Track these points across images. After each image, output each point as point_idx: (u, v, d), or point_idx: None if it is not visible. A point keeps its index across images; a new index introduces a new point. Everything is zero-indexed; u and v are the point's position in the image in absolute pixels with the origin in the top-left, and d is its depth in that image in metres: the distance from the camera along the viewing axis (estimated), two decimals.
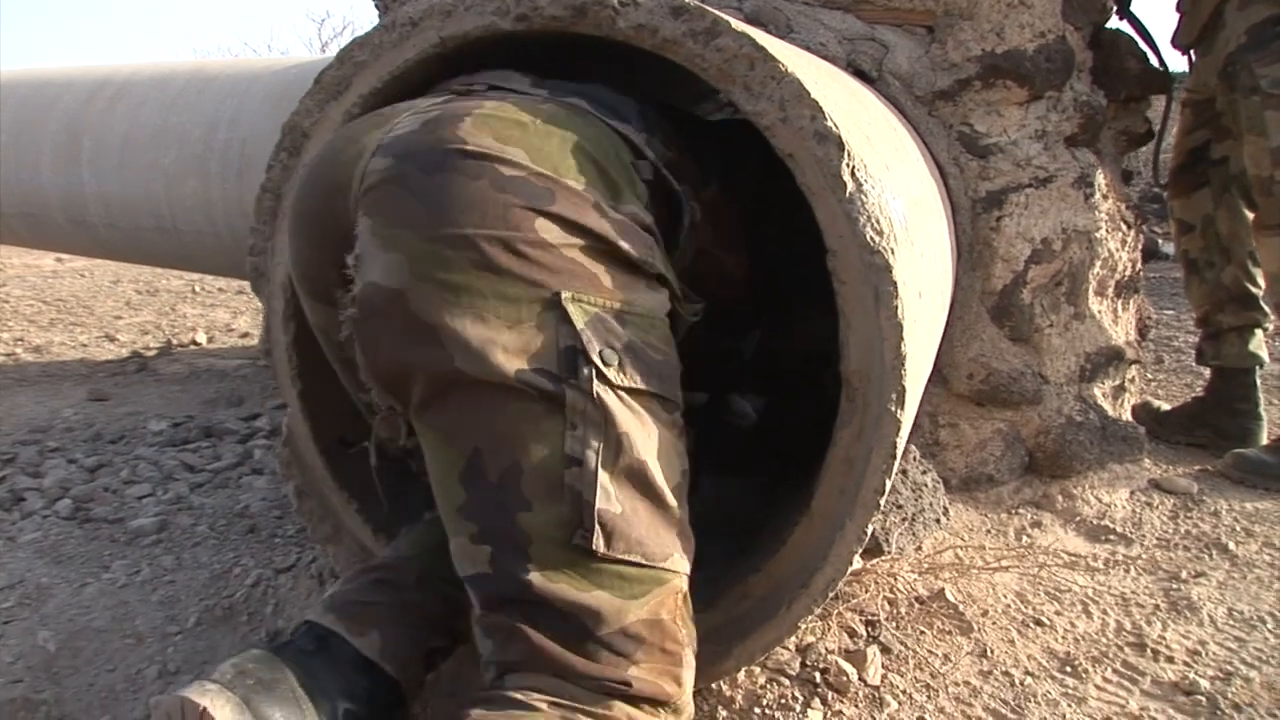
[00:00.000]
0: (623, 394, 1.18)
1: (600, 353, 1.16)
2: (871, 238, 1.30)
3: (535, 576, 1.14)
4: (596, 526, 1.13)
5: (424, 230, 1.15)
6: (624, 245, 1.22)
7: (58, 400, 3.57)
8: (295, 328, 1.72)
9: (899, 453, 1.37)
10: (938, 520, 2.13)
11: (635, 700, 1.17)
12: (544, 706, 1.12)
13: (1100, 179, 2.60)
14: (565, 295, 1.16)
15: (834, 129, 1.30)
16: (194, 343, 4.61)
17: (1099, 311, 2.65)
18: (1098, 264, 2.61)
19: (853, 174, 1.31)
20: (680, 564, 1.22)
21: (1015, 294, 2.47)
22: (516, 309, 1.15)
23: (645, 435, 1.19)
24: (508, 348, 1.14)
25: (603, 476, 1.15)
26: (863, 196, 1.31)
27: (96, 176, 3.48)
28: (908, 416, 1.39)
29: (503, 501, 1.15)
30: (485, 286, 1.14)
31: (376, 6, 2.80)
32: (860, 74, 2.42)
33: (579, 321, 1.16)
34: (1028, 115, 2.53)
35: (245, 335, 4.79)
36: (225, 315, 5.20)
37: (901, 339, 1.30)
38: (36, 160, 3.56)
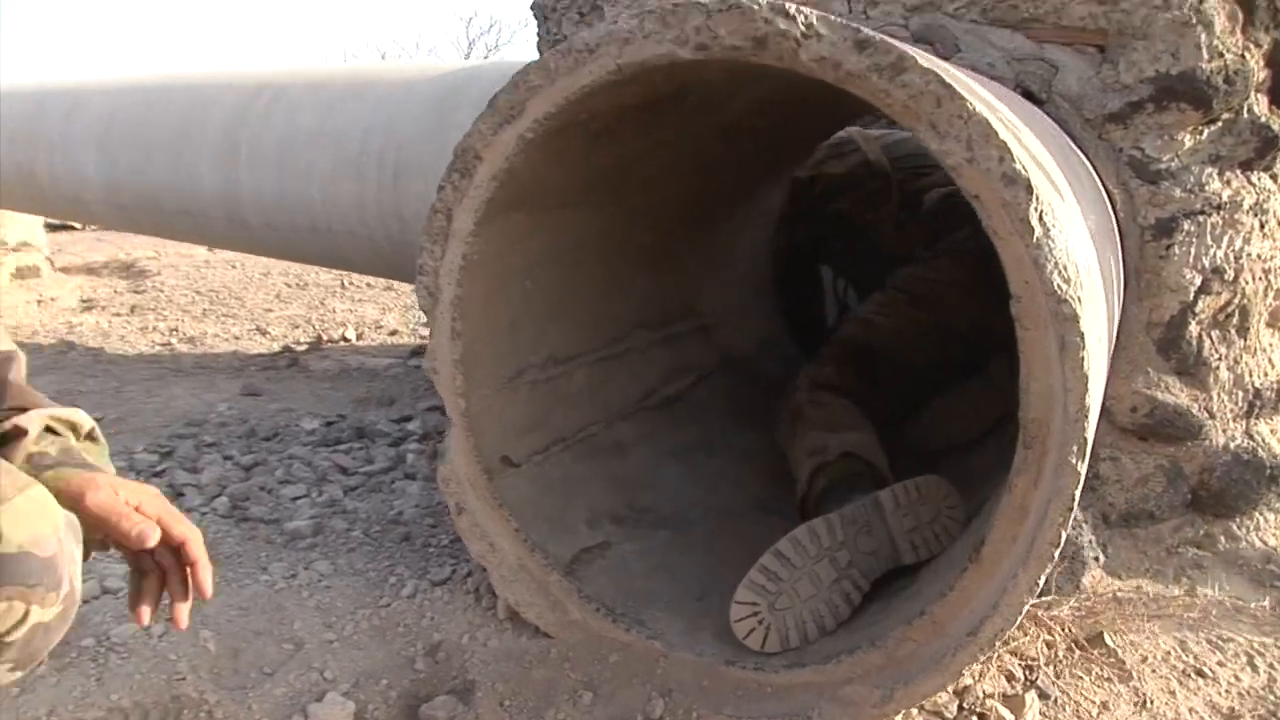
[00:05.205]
0: None
1: None
2: (1059, 285, 1.26)
3: None
4: None
5: None
6: None
7: (211, 393, 3.68)
8: (461, 348, 1.74)
9: (1075, 505, 1.33)
10: (1096, 559, 2.07)
11: None
12: None
13: (1276, 206, 2.48)
14: None
15: (1023, 172, 1.26)
16: (344, 339, 4.72)
17: (1270, 345, 2.54)
18: (1270, 295, 2.49)
19: (1040, 219, 1.27)
20: None
21: (1183, 326, 2.37)
22: None
23: None
24: None
25: None
26: (1050, 242, 1.27)
27: (254, 178, 3.59)
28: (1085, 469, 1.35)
29: None
30: None
31: (536, 17, 2.83)
32: (1029, 95, 2.35)
33: None
34: (1201, 139, 2.42)
35: (394, 333, 4.89)
36: (374, 311, 5.31)
37: (1086, 390, 1.26)
38: (196, 161, 3.69)
